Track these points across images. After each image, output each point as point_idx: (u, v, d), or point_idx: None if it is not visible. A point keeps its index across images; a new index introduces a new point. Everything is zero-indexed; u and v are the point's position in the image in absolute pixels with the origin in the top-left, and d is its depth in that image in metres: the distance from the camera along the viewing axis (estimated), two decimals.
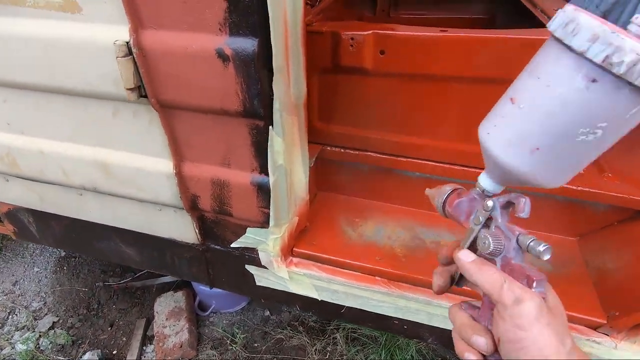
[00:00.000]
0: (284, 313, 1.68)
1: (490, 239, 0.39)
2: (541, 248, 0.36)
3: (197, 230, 0.89)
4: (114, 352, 1.63)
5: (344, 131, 0.91)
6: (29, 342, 1.68)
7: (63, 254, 2.12)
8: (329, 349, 1.51)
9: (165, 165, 0.77)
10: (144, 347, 1.62)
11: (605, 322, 0.74)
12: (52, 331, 1.74)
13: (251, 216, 0.80)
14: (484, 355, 0.39)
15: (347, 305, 0.91)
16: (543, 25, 0.84)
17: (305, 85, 0.71)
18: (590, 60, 0.30)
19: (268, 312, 1.69)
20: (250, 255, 0.91)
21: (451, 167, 0.86)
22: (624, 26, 0.31)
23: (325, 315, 0.95)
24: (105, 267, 2.04)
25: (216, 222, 0.87)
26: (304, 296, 0.93)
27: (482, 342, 0.38)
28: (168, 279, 1.83)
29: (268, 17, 0.54)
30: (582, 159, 0.36)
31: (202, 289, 1.69)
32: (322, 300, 0.93)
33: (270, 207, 0.76)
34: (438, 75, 0.75)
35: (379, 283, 0.85)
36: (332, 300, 0.92)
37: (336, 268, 0.88)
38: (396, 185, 0.97)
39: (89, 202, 0.94)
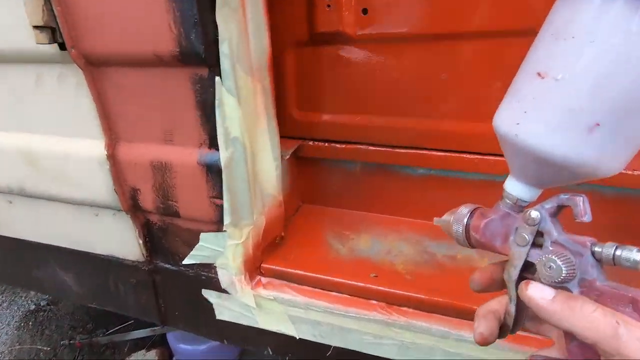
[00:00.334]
0: None
1: (558, 261, 0.29)
2: (637, 254, 0.27)
3: (141, 242, 0.70)
4: None
5: (327, 120, 0.75)
6: None
7: (32, 307, 1.89)
8: None
9: (97, 147, 0.61)
10: None
11: None
12: None
13: (202, 212, 0.61)
14: None
15: (333, 345, 0.67)
16: None
17: (268, 40, 0.57)
18: None
19: None
20: (208, 276, 0.70)
21: (469, 157, 0.67)
22: None
23: None
24: (75, 322, 1.79)
25: (164, 230, 0.69)
26: (278, 334, 0.70)
27: None
28: (141, 333, 1.57)
29: None
30: None
31: (180, 347, 1.43)
32: (300, 339, 0.69)
33: (224, 196, 0.57)
34: (442, 33, 0.61)
35: (375, 308, 0.62)
36: (313, 337, 0.68)
37: (316, 289, 0.66)
38: (397, 190, 0.78)
39: (20, 213, 0.77)
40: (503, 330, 0.36)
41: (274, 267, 0.68)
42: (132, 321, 1.62)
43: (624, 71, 0.26)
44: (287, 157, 0.72)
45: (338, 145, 0.75)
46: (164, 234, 0.69)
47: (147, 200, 0.64)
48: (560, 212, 0.32)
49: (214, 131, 0.54)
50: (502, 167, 0.33)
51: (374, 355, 0.65)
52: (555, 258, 0.29)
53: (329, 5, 0.64)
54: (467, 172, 0.69)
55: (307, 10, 0.66)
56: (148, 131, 0.58)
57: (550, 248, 0.31)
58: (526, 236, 0.32)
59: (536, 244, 0.32)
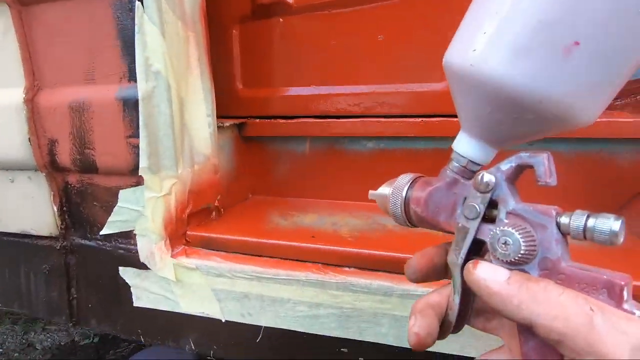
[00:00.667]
0: None
1: (515, 234, 0.24)
2: (615, 223, 0.21)
3: (56, 209, 0.63)
4: None
5: (271, 95, 0.74)
6: None
7: None
8: None
9: (15, 94, 0.58)
10: None
11: None
12: None
13: (119, 159, 0.56)
14: None
15: (263, 325, 0.56)
16: None
17: None
18: None
19: None
20: (127, 249, 0.61)
21: (431, 120, 0.63)
22: None
23: (233, 355, 0.55)
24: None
25: (82, 193, 0.62)
26: (201, 322, 0.58)
27: None
28: None
29: None
30: (638, 54, 0.23)
31: None
32: (227, 324, 0.57)
33: (140, 133, 0.53)
34: None
35: (309, 268, 0.53)
36: (241, 317, 0.56)
37: (245, 255, 0.57)
38: (348, 171, 0.73)
39: None
40: (444, 329, 0.29)
41: (200, 233, 0.60)
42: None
43: None
44: (227, 125, 0.69)
45: (283, 121, 0.73)
46: (82, 199, 0.62)
47: (64, 152, 0.59)
48: (519, 176, 0.27)
49: (133, 61, 0.52)
50: (454, 128, 0.29)
51: (310, 335, 0.53)
52: (513, 231, 0.24)
53: None
54: (418, 139, 0.66)
55: None
56: (71, 73, 0.56)
57: (506, 220, 0.25)
58: (477, 206, 0.26)
59: (489, 218, 0.26)
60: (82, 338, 1.42)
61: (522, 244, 0.24)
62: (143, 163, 0.54)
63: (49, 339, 1.43)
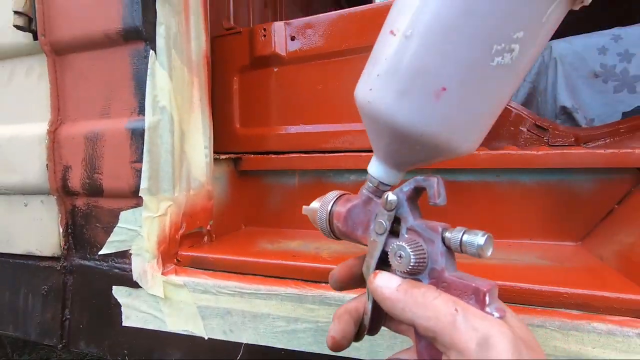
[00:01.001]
0: None
1: (407, 249, 0.27)
2: (481, 239, 0.25)
3: (61, 230, 0.68)
4: None
5: (266, 133, 0.82)
6: None
7: None
8: None
9: (40, 127, 0.67)
10: None
11: None
12: None
13: (123, 182, 0.63)
14: None
15: (244, 341, 0.57)
16: None
17: (206, 40, 0.70)
18: None
19: None
20: (122, 268, 0.65)
21: None
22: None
23: None
24: None
25: (87, 216, 0.68)
26: (185, 340, 0.61)
27: None
28: None
29: None
30: (501, 94, 0.27)
31: None
32: (209, 342, 0.59)
33: (144, 158, 0.60)
34: (349, 49, 0.74)
35: (289, 285, 0.56)
36: (223, 335, 0.58)
37: (230, 273, 0.61)
38: None
39: None
40: (361, 331, 0.32)
41: (191, 253, 0.64)
42: None
43: (469, 26, 0.24)
44: (223, 158, 0.77)
45: (274, 156, 0.80)
46: (86, 221, 0.68)
47: (76, 177, 0.66)
48: (419, 196, 0.30)
49: (143, 97, 0.61)
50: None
51: (288, 352, 0.55)
52: (405, 245, 0.27)
53: (264, 35, 0.79)
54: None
55: (249, 42, 0.81)
56: (90, 109, 0.65)
57: (406, 235, 0.28)
58: (384, 223, 0.29)
59: (396, 233, 0.29)
60: None
61: (412, 257, 0.26)
62: (144, 185, 0.60)
63: None
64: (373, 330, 0.32)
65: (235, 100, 0.85)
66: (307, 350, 0.54)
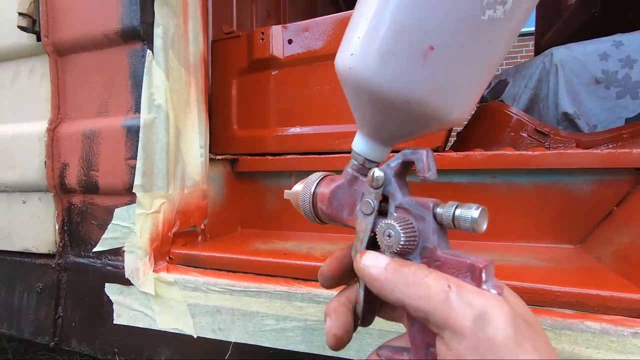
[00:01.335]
0: None
1: (396, 227, 0.25)
2: (475, 212, 0.23)
3: (57, 228, 0.69)
4: None
5: (263, 134, 0.83)
6: None
7: None
8: None
9: (40, 125, 0.69)
10: None
11: None
12: None
13: (117, 179, 0.63)
14: None
15: (233, 340, 0.57)
16: None
17: (204, 43, 0.71)
18: None
19: None
20: (115, 265, 0.65)
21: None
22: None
23: None
24: None
25: (83, 213, 0.68)
26: (174, 339, 0.60)
27: None
28: None
29: None
30: (493, 53, 0.25)
31: None
32: (199, 341, 0.58)
33: (138, 154, 0.61)
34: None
35: (278, 282, 0.56)
36: (212, 333, 0.58)
37: (221, 271, 0.60)
38: None
39: None
40: (354, 324, 0.30)
41: (183, 252, 0.64)
42: None
43: None
44: (219, 158, 0.77)
45: (271, 158, 0.80)
46: (82, 218, 0.68)
47: (73, 174, 0.67)
48: (407, 171, 0.28)
49: (139, 96, 0.62)
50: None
51: (277, 351, 0.54)
52: (395, 224, 0.25)
53: (262, 39, 0.81)
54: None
55: (247, 45, 0.83)
56: (88, 107, 0.67)
57: (395, 214, 0.27)
58: (371, 202, 0.28)
59: (384, 212, 0.28)
60: None
61: (402, 235, 0.25)
62: (138, 181, 0.61)
63: None
64: (366, 321, 0.30)
65: (233, 103, 0.86)
66: (295, 350, 0.53)
